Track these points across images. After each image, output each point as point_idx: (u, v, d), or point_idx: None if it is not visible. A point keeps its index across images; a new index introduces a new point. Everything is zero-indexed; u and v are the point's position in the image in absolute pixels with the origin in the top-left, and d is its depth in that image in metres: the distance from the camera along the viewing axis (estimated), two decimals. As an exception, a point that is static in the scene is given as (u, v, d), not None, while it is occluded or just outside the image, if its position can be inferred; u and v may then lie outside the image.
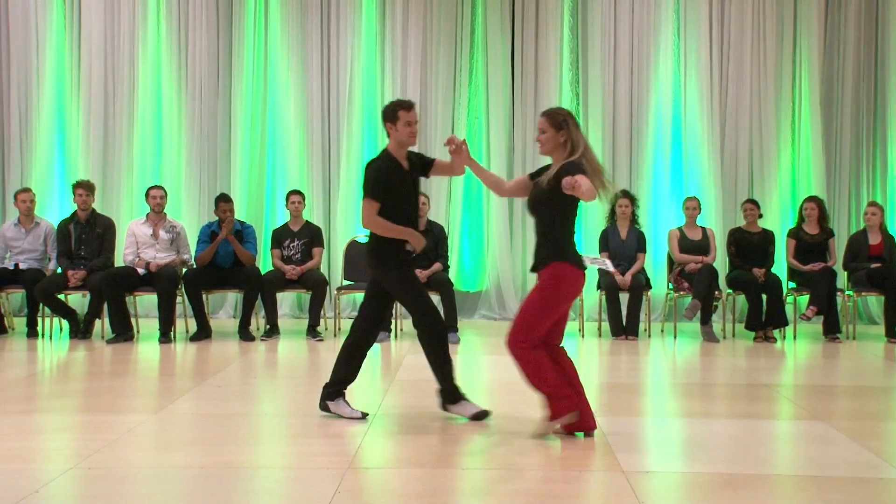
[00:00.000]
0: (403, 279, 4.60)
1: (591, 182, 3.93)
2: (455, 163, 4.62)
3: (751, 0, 9.45)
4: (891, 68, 9.46)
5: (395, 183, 4.49)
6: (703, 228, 8.42)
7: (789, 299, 8.27)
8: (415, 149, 4.77)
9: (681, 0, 9.52)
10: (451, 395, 4.65)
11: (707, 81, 9.46)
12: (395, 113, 4.52)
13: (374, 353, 7.14)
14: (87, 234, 7.93)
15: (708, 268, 7.96)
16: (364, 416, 4.58)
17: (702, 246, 8.24)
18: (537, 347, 4.15)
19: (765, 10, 9.46)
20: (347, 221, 9.50)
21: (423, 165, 4.72)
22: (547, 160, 4.35)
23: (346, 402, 4.61)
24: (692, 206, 8.37)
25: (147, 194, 8.02)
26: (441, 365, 4.62)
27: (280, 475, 3.67)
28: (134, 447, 4.10)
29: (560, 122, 4.17)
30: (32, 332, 7.90)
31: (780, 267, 8.45)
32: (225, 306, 9.59)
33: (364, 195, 4.49)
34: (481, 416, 4.58)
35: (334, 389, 4.61)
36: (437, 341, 4.59)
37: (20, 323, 8.41)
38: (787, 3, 9.48)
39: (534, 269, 4.28)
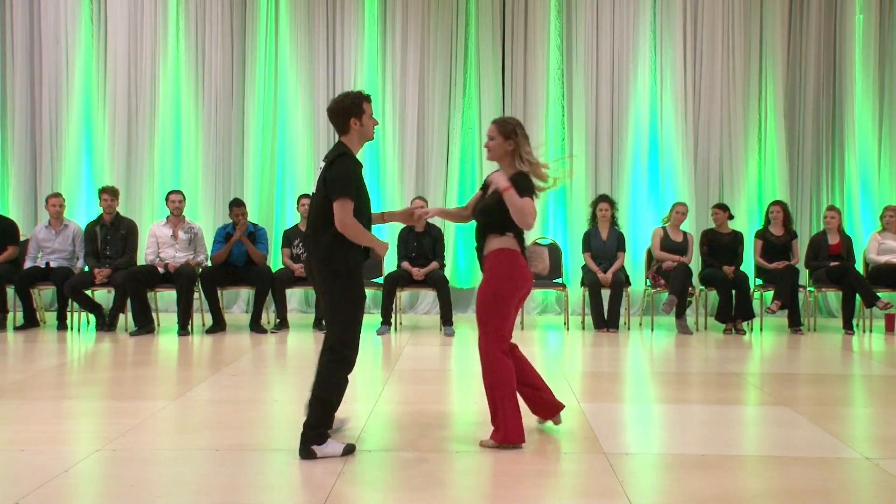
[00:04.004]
0: (351, 294, 3.67)
1: (526, 190, 3.79)
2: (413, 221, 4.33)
3: (721, 21, 9.50)
4: (848, 83, 9.50)
5: (361, 184, 3.74)
6: (685, 232, 8.40)
7: (756, 294, 8.30)
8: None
9: (657, 21, 9.56)
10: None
11: (681, 95, 9.48)
12: (360, 106, 3.75)
13: (376, 345, 7.16)
14: (112, 236, 7.93)
15: (683, 266, 7.98)
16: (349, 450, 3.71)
17: (681, 247, 8.24)
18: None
19: (733, 31, 9.51)
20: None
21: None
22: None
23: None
24: (681, 211, 8.30)
25: (167, 198, 8.02)
26: (338, 404, 3.72)
27: (289, 457, 3.67)
28: (156, 431, 4.10)
29: (509, 132, 3.89)
30: (62, 326, 7.89)
31: (749, 265, 8.47)
32: (238, 302, 9.58)
33: (338, 195, 3.57)
34: (347, 450, 3.69)
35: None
36: (344, 375, 3.69)
37: (51, 317, 8.41)
38: (753, 25, 9.52)
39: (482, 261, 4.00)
